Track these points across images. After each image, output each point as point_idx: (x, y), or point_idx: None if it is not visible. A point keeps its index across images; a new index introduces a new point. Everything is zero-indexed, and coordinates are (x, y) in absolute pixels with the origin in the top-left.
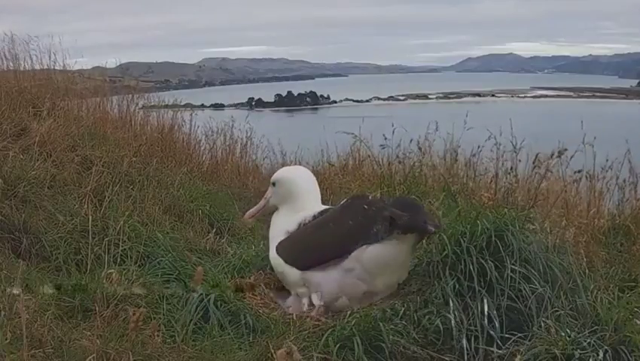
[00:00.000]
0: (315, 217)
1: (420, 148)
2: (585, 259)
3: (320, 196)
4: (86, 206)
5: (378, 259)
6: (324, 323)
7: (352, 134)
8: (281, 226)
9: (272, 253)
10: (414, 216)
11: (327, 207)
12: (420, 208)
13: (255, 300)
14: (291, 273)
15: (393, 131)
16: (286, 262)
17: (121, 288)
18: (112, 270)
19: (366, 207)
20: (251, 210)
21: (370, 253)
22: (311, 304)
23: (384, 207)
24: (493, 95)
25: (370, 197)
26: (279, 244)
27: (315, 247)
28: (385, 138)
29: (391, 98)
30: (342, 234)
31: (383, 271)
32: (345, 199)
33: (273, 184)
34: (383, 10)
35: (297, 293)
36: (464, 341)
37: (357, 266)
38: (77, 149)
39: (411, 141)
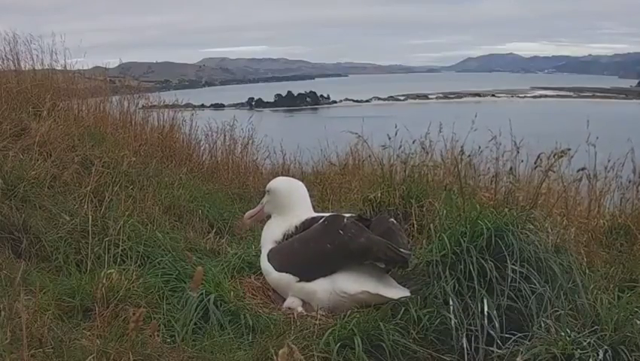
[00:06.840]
0: (297, 228)
1: (423, 148)
2: (585, 259)
3: (311, 208)
4: (86, 206)
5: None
6: (325, 323)
7: (356, 133)
8: (270, 236)
9: (264, 262)
10: (393, 247)
11: (307, 216)
12: (396, 234)
13: (255, 300)
14: (282, 281)
15: (396, 133)
16: (277, 270)
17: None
18: (112, 270)
19: (341, 232)
20: (250, 212)
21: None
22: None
23: (359, 233)
24: (493, 95)
25: (345, 220)
26: (270, 251)
27: (301, 262)
28: (382, 145)
29: (391, 98)
30: (322, 256)
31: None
32: (324, 218)
33: (268, 192)
34: (383, 10)
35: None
36: (464, 341)
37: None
38: (77, 149)
39: (413, 142)
